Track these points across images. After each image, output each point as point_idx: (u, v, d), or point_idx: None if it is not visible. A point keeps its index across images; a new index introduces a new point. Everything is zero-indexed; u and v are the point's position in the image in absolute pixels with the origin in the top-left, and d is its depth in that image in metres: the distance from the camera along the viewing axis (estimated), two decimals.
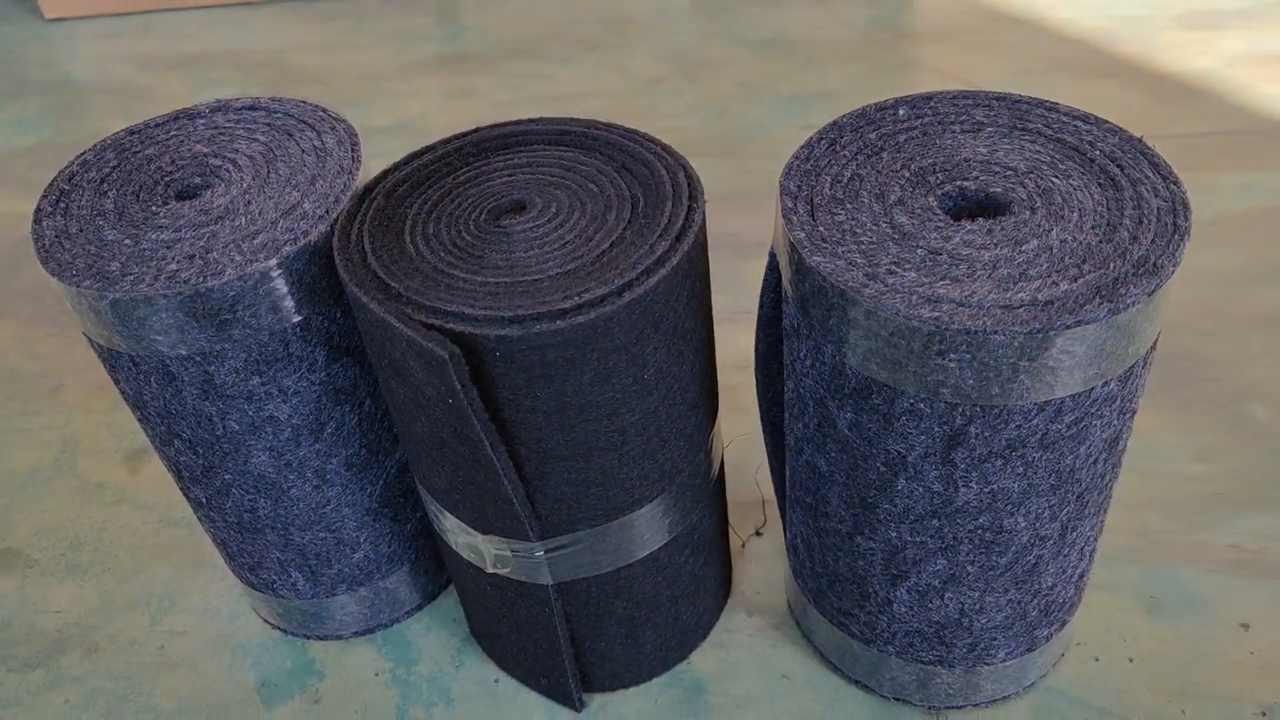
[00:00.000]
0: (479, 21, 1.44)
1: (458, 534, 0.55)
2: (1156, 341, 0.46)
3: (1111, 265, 0.42)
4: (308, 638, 0.67)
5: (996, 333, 0.40)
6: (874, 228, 0.45)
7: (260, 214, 0.51)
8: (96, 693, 0.65)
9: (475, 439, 0.46)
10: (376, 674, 0.65)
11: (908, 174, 0.48)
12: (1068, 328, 0.40)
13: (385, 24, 1.46)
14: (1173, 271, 0.42)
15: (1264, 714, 0.58)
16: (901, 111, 0.52)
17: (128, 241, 0.51)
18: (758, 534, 0.71)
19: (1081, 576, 0.55)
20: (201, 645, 0.68)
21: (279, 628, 0.68)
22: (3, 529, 0.77)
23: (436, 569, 0.68)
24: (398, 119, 1.21)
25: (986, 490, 0.46)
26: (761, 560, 0.69)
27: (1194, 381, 0.78)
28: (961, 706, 0.59)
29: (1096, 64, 1.18)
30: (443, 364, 0.43)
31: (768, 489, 0.73)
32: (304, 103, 0.59)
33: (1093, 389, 0.43)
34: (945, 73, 1.18)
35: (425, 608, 0.68)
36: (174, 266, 0.49)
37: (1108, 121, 0.49)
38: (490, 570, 0.55)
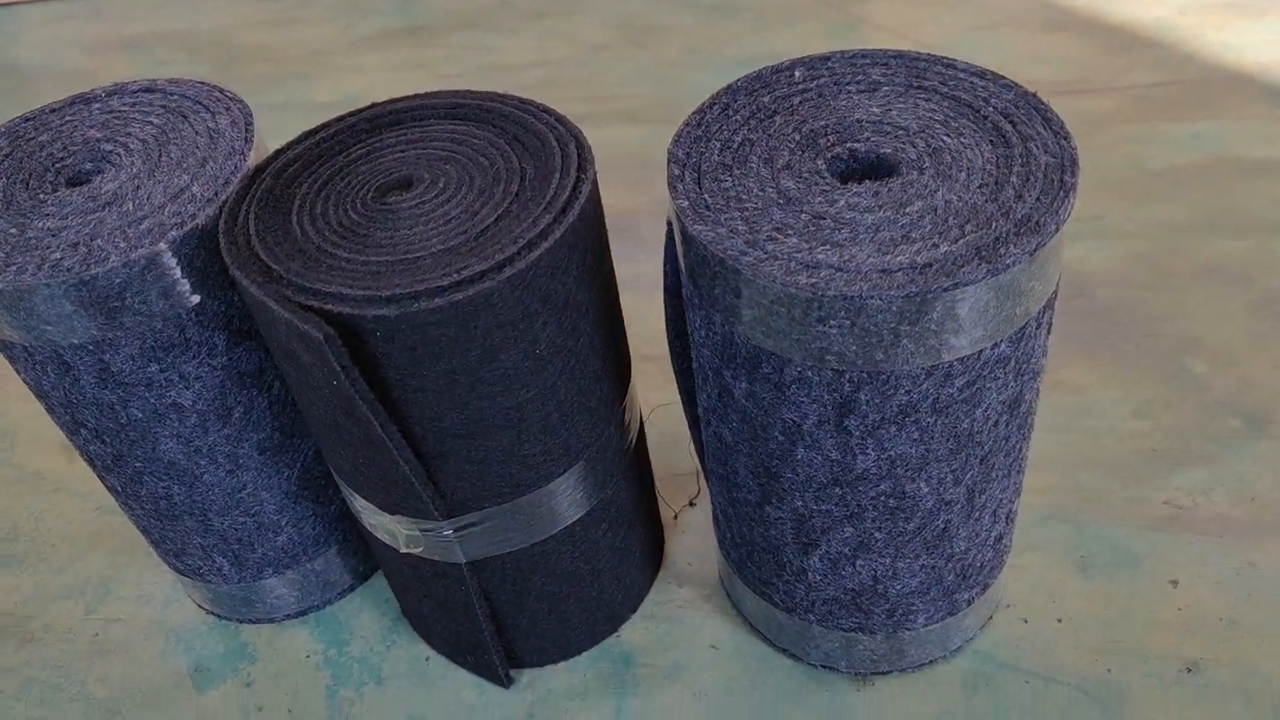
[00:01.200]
0: None
1: (370, 515, 0.55)
2: (1053, 300, 0.45)
3: (994, 224, 0.41)
4: (240, 621, 0.67)
5: (873, 297, 0.39)
6: (760, 193, 0.44)
7: (148, 199, 0.50)
8: (30, 682, 0.65)
9: (365, 419, 0.46)
10: (308, 656, 0.65)
11: (799, 137, 0.47)
12: (945, 290, 0.39)
13: None
14: (1056, 230, 0.41)
15: (1189, 669, 0.58)
16: (797, 73, 0.51)
17: (13, 231, 0.50)
18: (691, 504, 0.70)
19: (1000, 539, 0.55)
20: (135, 632, 0.68)
21: (212, 612, 0.68)
22: None
23: (366, 549, 0.67)
24: (343, 94, 1.19)
25: (884, 456, 0.46)
26: (695, 531, 0.69)
27: (1135, 336, 0.77)
28: (888, 673, 0.59)
29: (1049, 17, 1.16)
30: (319, 345, 0.42)
31: None
32: (201, 83, 0.58)
33: (982, 351, 0.42)
34: (894, 30, 1.17)
35: (358, 588, 0.68)
36: (58, 255, 0.48)
37: (1004, 77, 0.48)
38: (404, 550, 0.55)
